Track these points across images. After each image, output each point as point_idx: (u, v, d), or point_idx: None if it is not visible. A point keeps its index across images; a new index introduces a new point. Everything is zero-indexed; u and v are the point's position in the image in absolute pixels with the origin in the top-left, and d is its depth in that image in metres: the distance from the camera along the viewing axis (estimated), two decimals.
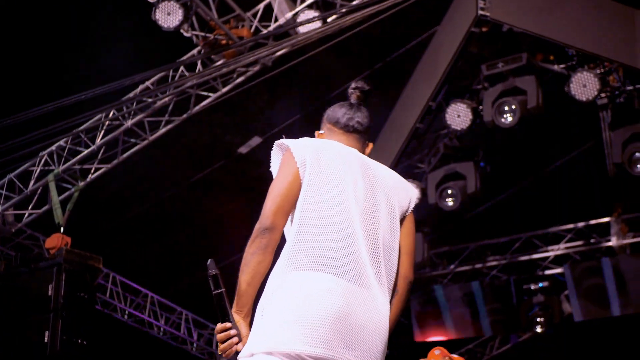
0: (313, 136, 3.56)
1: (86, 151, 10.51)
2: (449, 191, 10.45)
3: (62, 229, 10.19)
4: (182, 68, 10.07)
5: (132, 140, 10.47)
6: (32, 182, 10.75)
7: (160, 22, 9.06)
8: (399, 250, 3.29)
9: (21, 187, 10.80)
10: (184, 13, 9.07)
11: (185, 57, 9.97)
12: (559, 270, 11.97)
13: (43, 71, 9.73)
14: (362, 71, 10.56)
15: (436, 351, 4.81)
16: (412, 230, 3.38)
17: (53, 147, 10.58)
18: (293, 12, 9.59)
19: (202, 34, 9.60)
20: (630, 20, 9.31)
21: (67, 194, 10.61)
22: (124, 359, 12.37)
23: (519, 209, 11.95)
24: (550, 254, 12.09)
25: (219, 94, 10.12)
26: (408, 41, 10.35)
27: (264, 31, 9.69)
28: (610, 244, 11.66)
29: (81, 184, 10.62)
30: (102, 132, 10.46)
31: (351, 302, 3.03)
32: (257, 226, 3.15)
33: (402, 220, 3.32)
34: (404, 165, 11.07)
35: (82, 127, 10.37)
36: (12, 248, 10.93)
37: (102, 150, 10.54)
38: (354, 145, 3.47)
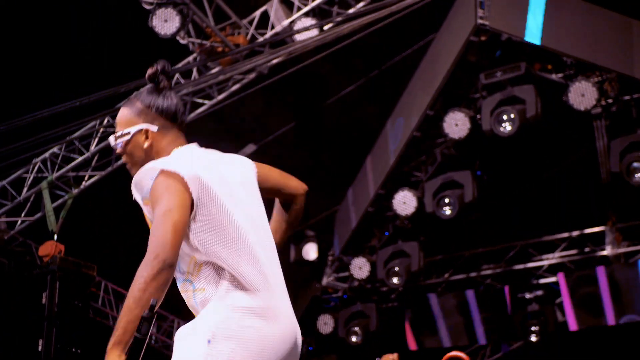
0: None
1: (80, 158, 10.47)
2: (446, 200, 10.46)
3: (55, 236, 10.14)
4: (177, 75, 10.03)
5: None
6: (25, 189, 10.69)
7: (157, 29, 9.02)
8: (276, 188, 3.26)
9: (14, 194, 10.74)
10: (180, 20, 9.04)
11: (180, 64, 9.94)
12: (553, 279, 11.96)
13: (36, 77, 9.67)
14: (359, 79, 10.57)
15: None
16: (267, 167, 3.25)
17: (47, 154, 10.53)
18: (289, 19, 9.58)
19: (199, 41, 9.57)
20: (627, 30, 9.36)
21: (60, 201, 10.56)
22: None
23: (514, 217, 11.96)
24: (545, 262, 12.09)
25: (214, 101, 10.11)
26: (404, 49, 10.35)
27: (260, 39, 9.67)
28: (604, 253, 11.65)
29: (75, 191, 10.57)
30: (96, 139, 10.43)
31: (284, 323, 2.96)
32: (162, 258, 2.75)
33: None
34: (400, 174, 11.08)
35: (76, 134, 10.33)
36: (4, 255, 10.83)
37: (96, 158, 10.52)
38: (186, 141, 3.10)
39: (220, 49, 9.59)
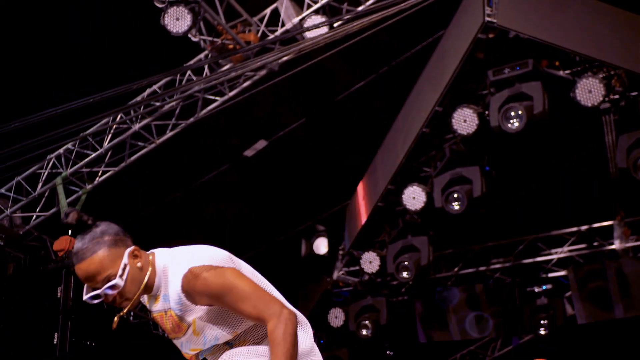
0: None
1: (94, 154, 10.58)
2: (455, 195, 10.52)
3: (70, 231, 10.25)
4: (189, 72, 10.13)
5: (140, 143, 10.54)
6: (40, 185, 10.81)
7: (169, 27, 9.12)
8: None
9: (29, 189, 10.86)
10: (192, 18, 9.12)
11: (192, 62, 10.03)
12: (562, 273, 12.01)
13: (51, 74, 9.78)
14: (368, 76, 10.64)
15: None
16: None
17: (61, 150, 10.65)
18: (300, 17, 9.65)
19: (210, 38, 9.66)
20: (634, 26, 9.38)
21: (74, 196, 10.68)
22: None
23: (523, 212, 12.01)
24: (554, 256, 12.14)
25: (225, 98, 10.19)
26: (414, 46, 10.42)
27: (271, 36, 9.76)
28: (613, 247, 11.69)
29: (89, 186, 10.69)
30: (110, 135, 10.54)
31: None
32: (286, 311, 3.10)
33: None
34: (409, 169, 11.15)
35: (89, 131, 10.43)
36: (20, 250, 10.97)
37: (109, 154, 10.62)
38: None
39: (231, 47, 9.68)
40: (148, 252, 3.25)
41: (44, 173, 10.78)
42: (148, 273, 3.19)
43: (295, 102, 10.90)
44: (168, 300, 3.19)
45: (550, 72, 9.75)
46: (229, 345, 3.26)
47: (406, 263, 11.52)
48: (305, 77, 10.16)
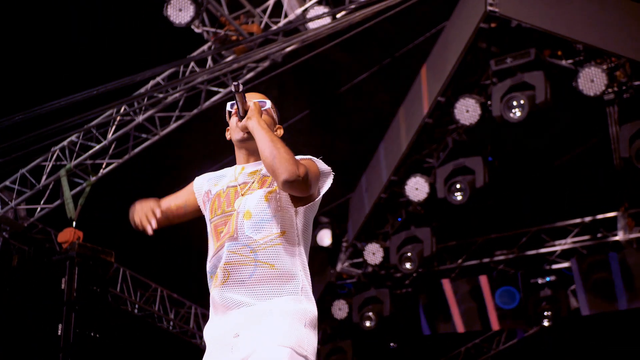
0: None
1: (97, 146, 10.61)
2: (458, 185, 10.52)
3: (74, 223, 10.29)
4: (192, 64, 10.15)
5: (143, 135, 10.56)
6: (44, 177, 10.84)
7: (172, 18, 9.15)
8: None
9: (33, 181, 10.89)
10: (195, 9, 9.15)
11: (195, 53, 10.05)
12: (566, 264, 12.01)
13: (55, 66, 9.80)
14: (371, 66, 10.64)
15: None
16: None
17: (65, 142, 10.68)
18: (303, 8, 9.66)
19: (213, 29, 9.68)
20: (637, 16, 9.36)
21: (78, 188, 10.71)
22: (134, 352, 12.46)
23: (527, 203, 12.00)
24: (558, 248, 12.14)
25: (229, 89, 10.20)
26: (416, 37, 10.42)
27: (274, 27, 9.77)
28: (617, 238, 11.69)
29: (93, 178, 10.71)
30: (114, 127, 10.56)
31: None
32: (302, 170, 3.36)
33: None
34: (412, 160, 11.16)
35: (93, 123, 10.45)
36: (24, 242, 11.01)
37: (113, 146, 10.65)
38: None
39: (234, 38, 9.70)
40: None
41: (48, 165, 10.81)
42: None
43: (299, 93, 10.90)
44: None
45: (553, 61, 9.74)
46: (256, 246, 3.40)
47: (409, 254, 11.53)
48: (308, 68, 10.17)
